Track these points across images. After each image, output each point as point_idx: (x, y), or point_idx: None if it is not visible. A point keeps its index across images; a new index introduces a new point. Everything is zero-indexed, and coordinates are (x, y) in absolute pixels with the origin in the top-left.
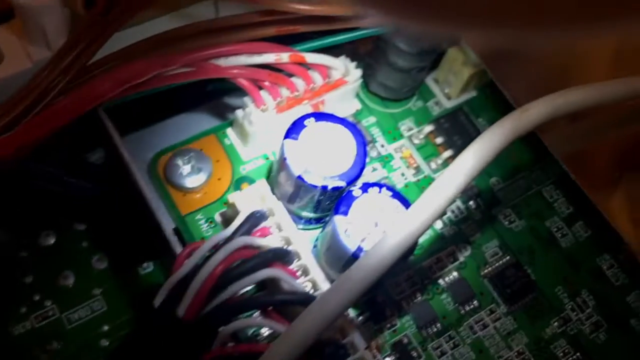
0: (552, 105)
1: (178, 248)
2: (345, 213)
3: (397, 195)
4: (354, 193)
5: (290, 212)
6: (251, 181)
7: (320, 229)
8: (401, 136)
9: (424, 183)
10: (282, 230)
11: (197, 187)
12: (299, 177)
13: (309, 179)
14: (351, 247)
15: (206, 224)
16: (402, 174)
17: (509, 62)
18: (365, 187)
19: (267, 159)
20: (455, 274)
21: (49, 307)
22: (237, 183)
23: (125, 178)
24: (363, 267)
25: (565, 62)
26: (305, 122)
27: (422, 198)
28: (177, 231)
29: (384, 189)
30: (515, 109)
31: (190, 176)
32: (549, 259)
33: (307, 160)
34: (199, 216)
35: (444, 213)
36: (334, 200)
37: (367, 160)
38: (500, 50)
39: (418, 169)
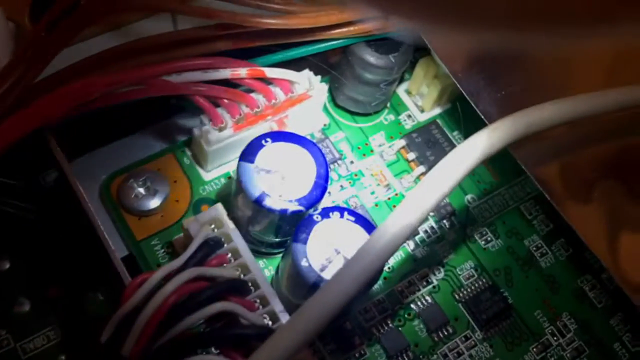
0: (524, 122)
1: (127, 278)
2: (305, 241)
3: (360, 220)
4: (314, 218)
5: (251, 236)
6: (212, 203)
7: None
8: (371, 152)
9: (395, 202)
10: (239, 257)
11: (153, 210)
12: (256, 201)
13: (267, 203)
14: (311, 276)
15: (163, 250)
16: (372, 192)
17: (479, 74)
18: (327, 212)
19: (230, 178)
20: (428, 298)
21: (3, 337)
22: (197, 205)
23: (75, 202)
24: (319, 302)
25: (539, 74)
26: (263, 143)
27: (384, 224)
28: (131, 258)
29: (346, 213)
30: (486, 126)
31: (146, 199)
32: (528, 281)
33: (264, 183)
34: (155, 241)
35: (416, 233)
36: (296, 225)
37: (335, 177)
38: (470, 62)
39: (389, 187)
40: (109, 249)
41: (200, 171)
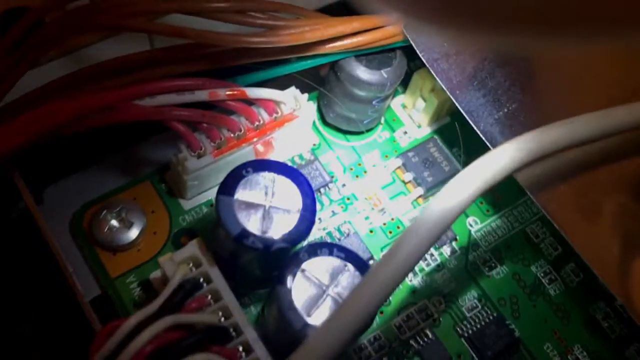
0: (529, 148)
1: (98, 325)
2: (290, 282)
3: (351, 256)
4: (300, 256)
5: (236, 271)
6: (193, 234)
7: (268, 293)
8: (365, 173)
9: (391, 227)
10: (220, 299)
11: (128, 244)
12: (237, 239)
13: (248, 241)
14: (297, 323)
15: (139, 288)
16: (366, 218)
17: (478, 91)
18: (314, 249)
19: (212, 206)
20: (428, 333)
21: None
22: (177, 237)
23: (41, 239)
24: (308, 354)
25: (542, 89)
26: (243, 173)
27: (377, 265)
28: (104, 298)
29: (335, 249)
30: (486, 151)
31: (121, 232)
32: (536, 311)
33: (245, 218)
34: (131, 279)
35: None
36: (282, 259)
37: (326, 202)
38: (467, 77)
39: (384, 211)
40: (77, 292)
41: (180, 200)
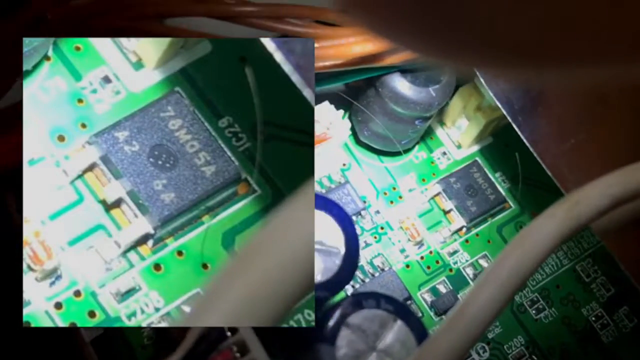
0: (615, 193)
1: None
2: (332, 339)
3: (401, 310)
4: (344, 309)
5: None
6: None
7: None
8: (400, 199)
9: (430, 262)
10: (247, 353)
11: None
12: None
13: None
14: None
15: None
16: (402, 250)
17: (543, 117)
18: (359, 302)
19: None
20: None
21: None
22: None
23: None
24: None
25: (614, 117)
26: None
27: (439, 334)
28: (106, 339)
29: (383, 301)
30: (558, 198)
31: None
32: None
33: None
34: None
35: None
36: (318, 310)
37: (358, 232)
38: (531, 102)
39: (422, 244)
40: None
41: None
